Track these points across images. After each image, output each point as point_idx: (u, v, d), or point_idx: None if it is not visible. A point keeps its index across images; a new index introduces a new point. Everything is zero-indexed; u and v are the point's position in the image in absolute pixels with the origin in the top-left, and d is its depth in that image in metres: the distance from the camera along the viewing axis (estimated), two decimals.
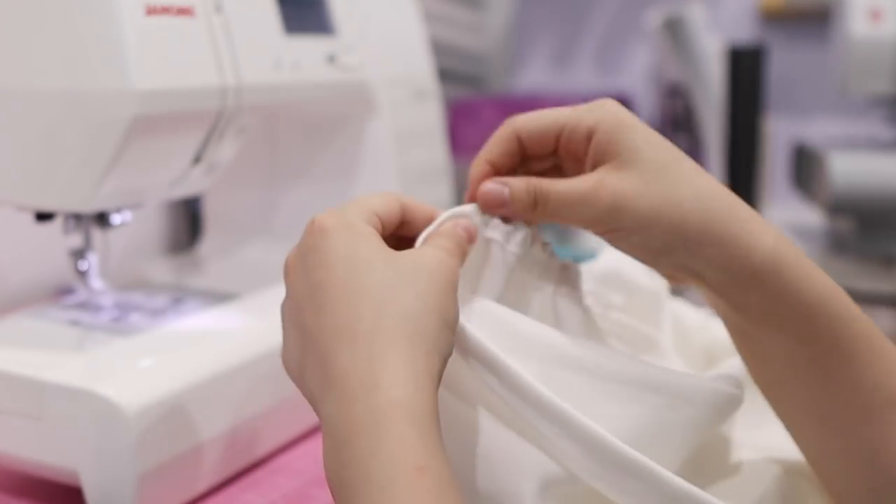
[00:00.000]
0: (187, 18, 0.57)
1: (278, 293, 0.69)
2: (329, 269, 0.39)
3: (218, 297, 0.69)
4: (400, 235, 0.46)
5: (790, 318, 0.43)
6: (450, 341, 0.40)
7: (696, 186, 0.43)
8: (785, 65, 1.57)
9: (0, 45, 0.55)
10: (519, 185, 0.45)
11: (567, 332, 0.45)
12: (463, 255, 0.44)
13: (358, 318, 0.38)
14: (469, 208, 0.46)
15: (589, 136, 0.45)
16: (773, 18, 1.58)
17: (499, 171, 0.47)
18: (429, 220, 0.45)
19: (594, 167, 0.45)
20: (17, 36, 0.54)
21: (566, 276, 0.49)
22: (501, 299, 0.45)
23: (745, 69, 1.38)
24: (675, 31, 1.38)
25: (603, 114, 0.45)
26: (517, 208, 0.45)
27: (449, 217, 0.45)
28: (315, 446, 0.63)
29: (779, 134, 1.54)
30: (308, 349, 0.39)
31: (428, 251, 0.42)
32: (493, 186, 0.45)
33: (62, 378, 0.51)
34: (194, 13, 0.57)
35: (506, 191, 0.45)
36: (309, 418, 0.63)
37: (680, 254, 0.43)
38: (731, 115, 1.38)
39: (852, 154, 1.19)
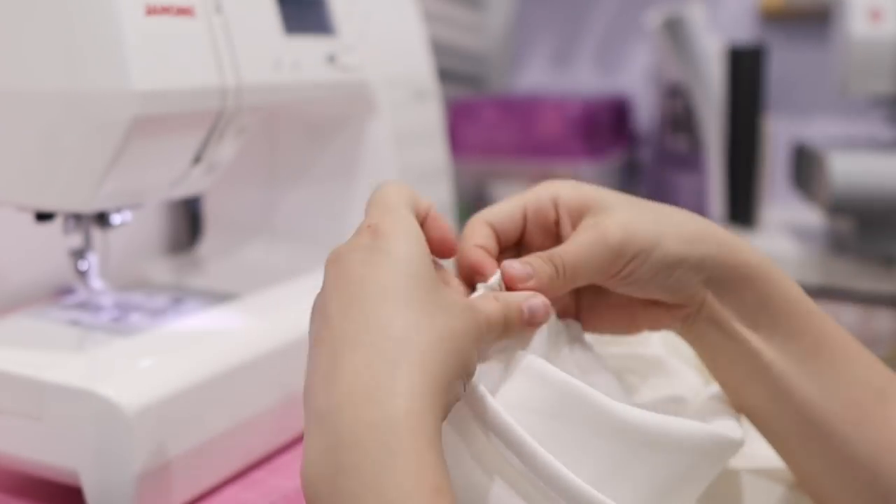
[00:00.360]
0: (187, 18, 0.57)
1: (278, 293, 0.69)
2: (376, 270, 0.38)
3: (218, 297, 0.69)
4: None
5: (782, 315, 0.46)
6: (458, 395, 0.38)
7: (674, 211, 0.47)
8: (785, 65, 1.56)
9: (0, 46, 0.55)
10: (534, 257, 0.45)
11: (599, 387, 0.44)
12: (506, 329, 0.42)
13: (389, 324, 0.36)
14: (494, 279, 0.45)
15: (554, 204, 0.47)
16: (773, 18, 1.58)
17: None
18: (441, 243, 0.45)
19: (575, 226, 0.47)
20: (16, 36, 0.54)
21: (573, 332, 0.49)
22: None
23: (745, 69, 1.38)
24: (675, 31, 1.38)
25: (559, 185, 0.48)
26: (544, 278, 0.45)
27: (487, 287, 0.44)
28: None
29: (779, 134, 1.54)
30: (321, 336, 0.38)
31: (466, 302, 0.40)
32: (515, 265, 0.45)
33: (62, 378, 0.51)
34: (194, 13, 0.57)
35: (528, 266, 0.45)
36: None
37: (689, 261, 0.45)
38: (731, 115, 1.38)
39: (852, 154, 1.19)
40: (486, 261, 0.45)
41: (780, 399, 0.46)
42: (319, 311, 0.39)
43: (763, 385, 0.47)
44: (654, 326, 0.49)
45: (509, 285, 0.45)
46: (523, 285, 0.44)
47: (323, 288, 0.40)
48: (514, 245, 0.49)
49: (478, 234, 0.47)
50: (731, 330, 0.47)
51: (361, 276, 0.38)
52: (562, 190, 0.47)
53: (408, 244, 0.39)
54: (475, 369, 0.39)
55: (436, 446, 0.34)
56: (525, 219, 0.48)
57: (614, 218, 0.45)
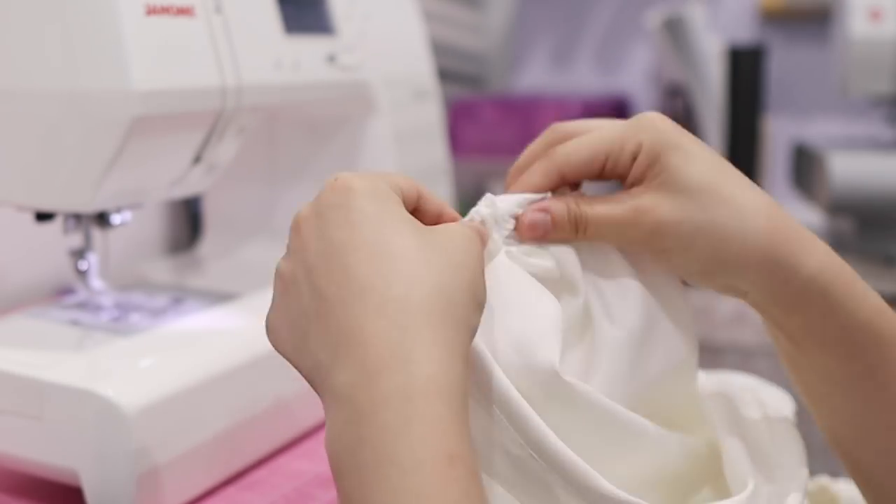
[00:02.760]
0: (187, 18, 0.57)
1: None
2: (354, 229, 0.36)
3: (218, 297, 0.69)
4: None
5: (833, 339, 0.42)
6: (478, 321, 0.38)
7: (738, 206, 0.42)
8: (785, 65, 1.57)
9: (0, 46, 0.55)
10: (561, 212, 0.44)
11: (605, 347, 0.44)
12: (484, 245, 0.42)
13: (387, 284, 0.35)
14: (486, 211, 0.44)
15: (634, 158, 0.44)
16: (773, 18, 1.58)
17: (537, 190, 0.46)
18: (439, 213, 0.43)
19: (633, 185, 0.44)
20: (17, 36, 0.54)
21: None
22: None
23: (745, 69, 1.38)
24: (675, 31, 1.38)
25: (647, 135, 0.44)
26: (559, 236, 0.44)
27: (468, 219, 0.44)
28: (315, 446, 0.63)
29: (779, 134, 1.54)
30: (318, 311, 0.36)
31: (459, 228, 0.40)
32: (536, 216, 0.44)
33: (62, 378, 0.51)
34: (194, 13, 0.57)
35: (548, 219, 0.44)
36: (309, 418, 0.63)
37: (719, 276, 0.43)
38: (731, 115, 1.38)
39: (852, 154, 1.19)
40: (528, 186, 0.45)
41: (816, 400, 0.46)
42: (304, 281, 0.37)
43: (801, 381, 0.46)
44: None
45: (526, 236, 0.44)
46: (539, 239, 0.44)
47: (300, 255, 0.38)
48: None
49: (535, 181, 0.45)
50: (777, 335, 0.45)
51: (343, 240, 0.36)
52: (646, 144, 0.43)
53: (380, 192, 0.38)
54: (485, 292, 0.38)
55: (454, 407, 0.33)
56: (602, 165, 0.45)
57: (661, 206, 0.42)
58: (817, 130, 1.57)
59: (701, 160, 0.43)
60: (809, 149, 1.29)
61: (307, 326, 0.36)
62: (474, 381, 0.39)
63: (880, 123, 1.36)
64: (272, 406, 0.60)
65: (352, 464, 0.33)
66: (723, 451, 0.46)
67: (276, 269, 0.39)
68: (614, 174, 0.45)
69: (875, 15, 1.18)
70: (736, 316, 1.16)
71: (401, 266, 0.35)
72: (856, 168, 1.17)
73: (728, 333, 1.17)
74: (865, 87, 1.20)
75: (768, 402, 0.51)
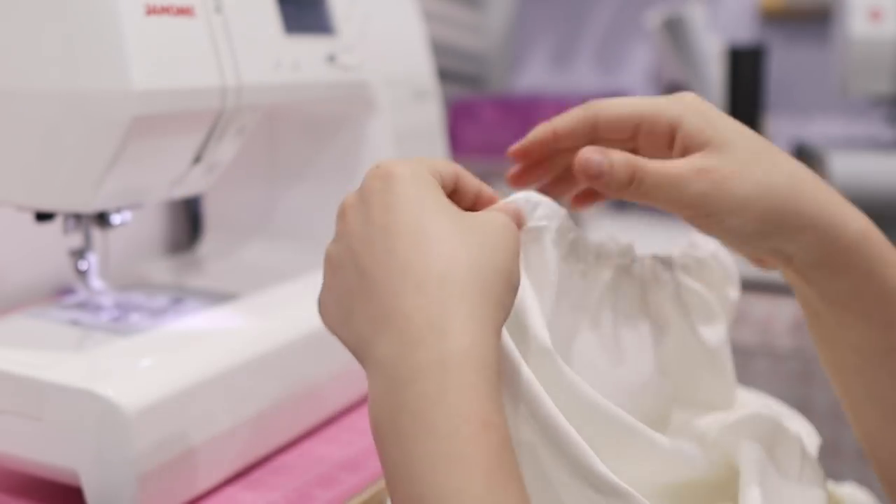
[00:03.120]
0: (187, 18, 0.57)
1: (278, 293, 0.69)
2: (397, 213, 0.39)
3: (218, 297, 0.69)
4: None
5: (873, 304, 0.44)
6: (512, 303, 0.40)
7: (789, 171, 0.44)
8: (785, 65, 1.56)
9: (0, 46, 0.55)
10: (620, 158, 0.44)
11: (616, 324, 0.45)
12: (519, 228, 0.44)
13: (426, 264, 0.37)
14: (521, 196, 0.45)
15: (671, 129, 0.45)
16: (773, 18, 1.58)
17: (559, 142, 0.47)
18: (477, 193, 0.45)
19: (683, 156, 0.44)
20: (17, 36, 0.54)
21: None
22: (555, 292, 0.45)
23: (745, 69, 1.38)
24: (675, 31, 1.38)
25: (685, 107, 0.45)
26: (612, 182, 0.44)
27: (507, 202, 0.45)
28: (315, 445, 0.63)
29: (779, 134, 1.54)
30: (362, 289, 0.38)
31: (495, 214, 0.41)
32: (594, 155, 0.44)
33: (62, 378, 0.51)
34: (194, 13, 0.57)
35: (605, 162, 0.44)
36: (309, 418, 0.63)
37: (773, 237, 0.44)
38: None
39: (852, 154, 1.19)
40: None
41: (843, 374, 0.46)
42: (350, 263, 0.39)
43: (831, 355, 0.46)
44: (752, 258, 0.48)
45: (578, 173, 0.44)
46: (590, 181, 0.44)
47: (346, 239, 0.40)
48: (625, 140, 0.47)
49: (567, 124, 0.47)
50: (817, 307, 0.46)
51: (385, 224, 0.38)
52: (686, 116, 0.45)
53: (419, 177, 0.40)
54: (519, 275, 0.40)
55: (488, 378, 0.35)
56: (635, 130, 0.46)
57: (720, 166, 0.43)
58: (817, 130, 1.57)
59: (746, 130, 0.45)
60: (809, 149, 1.29)
61: (352, 304, 0.39)
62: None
63: (880, 123, 1.36)
64: (272, 406, 0.60)
65: (391, 430, 0.35)
66: (741, 471, 0.46)
67: (326, 253, 0.42)
68: (648, 140, 0.46)
69: (875, 15, 1.18)
70: (737, 316, 1.16)
71: (439, 247, 0.37)
72: (856, 168, 1.17)
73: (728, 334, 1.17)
74: (865, 87, 1.20)
75: (801, 433, 0.51)
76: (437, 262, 0.37)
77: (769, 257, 0.45)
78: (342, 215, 0.41)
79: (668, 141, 0.45)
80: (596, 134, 0.46)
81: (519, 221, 0.44)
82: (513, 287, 0.39)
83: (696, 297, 0.50)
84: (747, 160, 0.43)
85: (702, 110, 0.45)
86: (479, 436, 0.33)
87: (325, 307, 0.41)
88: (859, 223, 0.43)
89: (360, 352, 0.39)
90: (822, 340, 0.47)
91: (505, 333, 0.41)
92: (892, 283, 0.43)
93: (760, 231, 0.43)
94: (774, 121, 1.51)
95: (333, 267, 0.41)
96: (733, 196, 0.43)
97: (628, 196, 0.44)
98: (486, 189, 0.45)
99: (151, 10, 0.54)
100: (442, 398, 0.34)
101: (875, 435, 0.47)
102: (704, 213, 0.44)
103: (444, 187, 0.42)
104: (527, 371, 0.41)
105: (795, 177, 0.43)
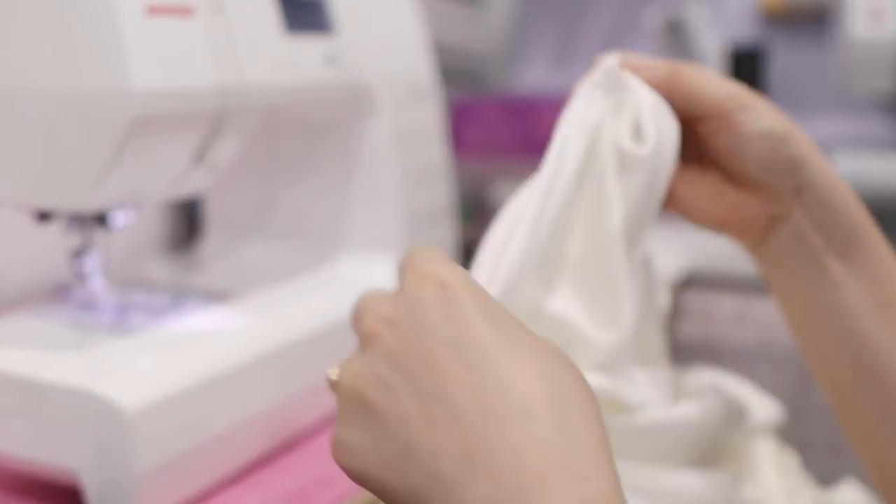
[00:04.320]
0: (187, 18, 0.57)
1: (278, 293, 0.69)
2: (465, 327, 0.31)
3: (218, 297, 0.69)
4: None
5: (871, 255, 0.46)
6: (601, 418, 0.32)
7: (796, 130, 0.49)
8: (785, 65, 1.56)
9: (0, 45, 0.55)
10: (659, 61, 0.49)
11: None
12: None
13: (527, 383, 0.30)
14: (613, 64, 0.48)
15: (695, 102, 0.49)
16: (773, 18, 1.58)
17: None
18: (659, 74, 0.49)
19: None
20: (17, 36, 0.54)
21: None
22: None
23: (745, 69, 1.38)
24: (675, 31, 1.38)
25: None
26: (654, 76, 0.48)
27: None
28: (316, 446, 0.63)
29: None
30: (431, 419, 0.30)
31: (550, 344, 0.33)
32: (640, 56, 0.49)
33: (62, 378, 0.51)
34: (194, 13, 0.57)
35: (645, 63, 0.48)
36: (309, 418, 0.63)
37: (787, 150, 0.47)
38: None
39: (852, 154, 1.19)
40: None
41: (852, 338, 0.46)
42: (408, 389, 0.31)
43: (840, 320, 0.46)
44: (738, 218, 0.49)
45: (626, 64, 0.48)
46: (638, 70, 0.48)
47: (395, 361, 0.32)
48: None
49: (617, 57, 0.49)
50: (819, 255, 0.46)
51: (455, 337, 0.31)
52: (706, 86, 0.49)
53: (479, 292, 0.33)
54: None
55: None
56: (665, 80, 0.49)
57: (741, 88, 0.48)
58: (818, 130, 1.57)
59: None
60: None
61: (410, 437, 0.31)
62: None
63: (881, 123, 1.36)
64: (272, 406, 0.60)
65: None
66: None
67: (345, 379, 0.34)
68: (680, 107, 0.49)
69: (875, 15, 1.18)
70: (736, 316, 1.16)
71: (533, 363, 0.30)
72: (856, 168, 1.17)
73: (728, 334, 1.17)
74: (866, 87, 1.20)
75: (753, 403, 0.53)
76: (539, 382, 0.30)
77: (784, 190, 0.47)
78: (374, 333, 0.33)
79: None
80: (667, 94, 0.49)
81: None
82: (595, 406, 0.31)
83: None
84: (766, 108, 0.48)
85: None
86: None
87: (355, 448, 0.32)
88: (848, 187, 0.48)
89: (431, 497, 0.30)
90: (820, 303, 0.47)
91: None
92: (881, 238, 0.47)
93: (770, 167, 0.46)
94: None
95: (367, 394, 0.32)
96: (752, 103, 0.47)
97: (665, 93, 0.48)
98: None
99: (151, 10, 0.54)
100: None
101: (867, 422, 0.47)
102: (737, 106, 0.46)
103: None
104: None
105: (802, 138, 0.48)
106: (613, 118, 0.48)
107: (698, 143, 0.49)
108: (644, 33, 1.64)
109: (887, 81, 1.19)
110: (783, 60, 1.56)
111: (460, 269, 0.34)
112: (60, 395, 0.51)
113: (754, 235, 0.48)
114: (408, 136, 0.81)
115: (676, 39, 1.37)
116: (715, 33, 1.43)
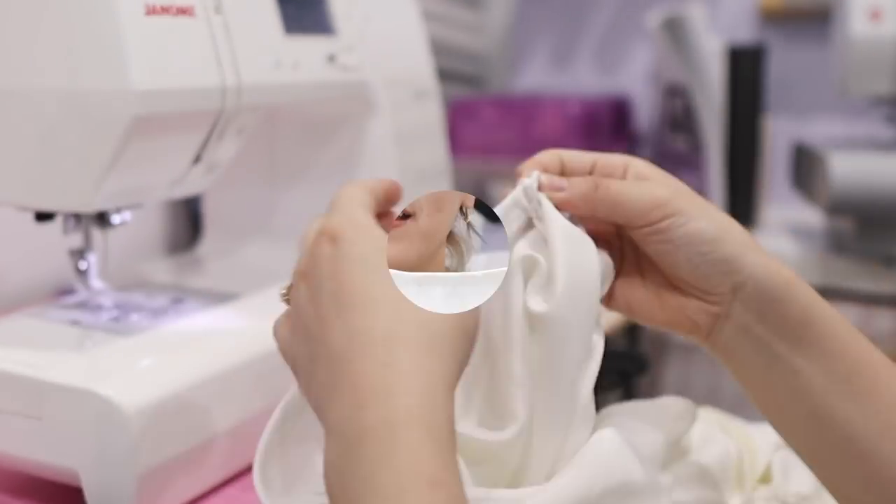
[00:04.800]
0: (187, 18, 0.57)
1: (277, 293, 0.69)
2: (341, 279, 0.39)
3: (218, 297, 0.69)
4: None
5: (825, 334, 0.45)
6: (468, 348, 0.39)
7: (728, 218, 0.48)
8: (785, 65, 1.56)
9: (0, 45, 0.55)
10: (577, 178, 0.48)
11: None
12: None
13: (371, 326, 0.37)
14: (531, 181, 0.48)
15: (625, 168, 0.49)
16: (773, 18, 1.58)
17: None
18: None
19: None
20: (16, 36, 0.54)
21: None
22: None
23: (745, 69, 1.38)
24: (675, 31, 1.38)
25: (630, 157, 0.49)
26: (575, 193, 0.47)
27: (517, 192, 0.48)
28: None
29: (779, 134, 1.54)
30: (317, 356, 0.38)
31: None
32: (555, 177, 0.48)
33: (62, 378, 0.51)
34: (194, 13, 0.57)
35: (563, 181, 0.48)
36: None
37: (722, 250, 0.46)
38: (731, 115, 1.38)
39: (852, 154, 1.19)
40: (536, 165, 0.49)
41: (819, 418, 0.45)
42: (302, 330, 0.40)
43: (803, 404, 0.46)
44: (681, 319, 0.48)
45: (544, 187, 0.47)
46: (555, 194, 0.47)
47: (298, 306, 0.41)
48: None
49: (547, 154, 0.49)
50: (768, 345, 0.46)
51: (334, 289, 0.38)
52: (634, 160, 0.49)
53: (365, 243, 0.40)
54: (477, 322, 0.40)
55: (436, 437, 0.35)
56: (593, 168, 0.49)
57: (667, 187, 0.47)
58: (817, 130, 1.56)
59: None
60: (809, 149, 1.29)
61: (312, 369, 0.39)
62: None
63: (880, 123, 1.35)
64: (272, 405, 0.60)
65: (342, 494, 0.35)
66: None
67: (280, 325, 0.43)
68: (604, 173, 0.49)
69: (875, 15, 1.18)
70: None
71: (386, 308, 0.38)
72: (856, 168, 1.17)
73: None
74: (865, 86, 1.20)
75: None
76: (382, 324, 0.37)
77: (722, 289, 0.46)
78: (295, 286, 0.42)
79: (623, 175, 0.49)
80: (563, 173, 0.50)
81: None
82: (467, 335, 0.39)
83: None
84: (685, 192, 0.48)
85: (646, 162, 0.49)
86: (425, 495, 0.33)
87: (285, 340, 0.42)
88: (790, 271, 0.46)
89: (321, 418, 0.38)
90: (780, 390, 0.47)
91: None
92: (832, 313, 0.46)
93: (720, 247, 0.46)
94: (774, 121, 1.51)
95: (291, 329, 0.41)
96: (686, 207, 0.46)
97: (593, 208, 0.47)
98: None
99: (151, 11, 0.54)
100: (388, 459, 0.34)
101: (839, 480, 0.47)
102: (671, 212, 0.46)
103: (380, 208, 0.45)
104: None
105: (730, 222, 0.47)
106: (525, 246, 0.47)
107: (635, 249, 0.49)
108: (644, 33, 1.64)
109: (886, 81, 1.18)
110: (782, 60, 1.56)
111: (355, 218, 0.41)
112: (61, 396, 0.51)
113: (701, 333, 0.48)
114: (407, 136, 0.81)
115: (676, 39, 1.37)
116: (715, 33, 1.43)
